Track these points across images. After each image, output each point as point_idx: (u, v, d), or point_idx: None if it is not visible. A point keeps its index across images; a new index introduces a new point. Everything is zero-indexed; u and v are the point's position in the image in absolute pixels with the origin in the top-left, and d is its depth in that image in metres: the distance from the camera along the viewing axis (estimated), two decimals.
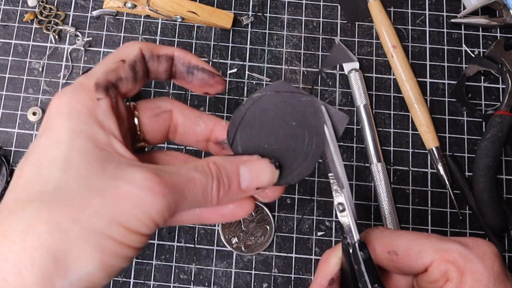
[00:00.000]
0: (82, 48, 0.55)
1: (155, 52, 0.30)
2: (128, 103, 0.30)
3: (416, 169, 0.52)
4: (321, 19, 0.57)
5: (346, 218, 0.30)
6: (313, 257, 0.50)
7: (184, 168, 0.26)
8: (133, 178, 0.24)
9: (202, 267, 0.50)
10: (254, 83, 0.54)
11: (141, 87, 0.30)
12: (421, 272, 0.31)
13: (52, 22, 0.56)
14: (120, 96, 0.28)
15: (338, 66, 0.55)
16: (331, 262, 0.32)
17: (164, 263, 0.50)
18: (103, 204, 0.23)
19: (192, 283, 0.49)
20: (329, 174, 0.30)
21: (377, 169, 0.51)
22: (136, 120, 0.30)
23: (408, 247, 0.31)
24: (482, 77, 0.55)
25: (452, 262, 0.29)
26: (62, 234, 0.22)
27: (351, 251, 0.30)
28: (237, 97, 0.54)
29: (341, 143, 0.53)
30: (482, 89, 0.55)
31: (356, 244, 0.29)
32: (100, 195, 0.23)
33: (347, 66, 0.54)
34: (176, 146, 0.52)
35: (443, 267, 0.30)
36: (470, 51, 0.56)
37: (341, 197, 0.30)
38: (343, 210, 0.30)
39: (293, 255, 0.50)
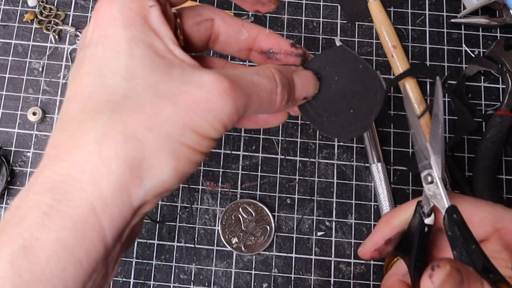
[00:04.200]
0: None
1: None
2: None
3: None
4: (321, 19, 0.57)
5: (433, 188, 0.30)
6: (313, 257, 0.50)
7: (247, 72, 0.26)
8: (202, 82, 0.23)
9: (202, 267, 0.50)
10: None
11: None
12: (482, 240, 0.31)
13: (52, 22, 0.56)
14: (169, 4, 0.27)
15: None
16: (393, 223, 0.32)
17: (164, 263, 0.50)
18: (175, 110, 0.22)
19: (192, 283, 0.49)
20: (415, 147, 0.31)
21: (377, 169, 0.51)
22: (177, 28, 0.28)
23: (471, 213, 0.30)
24: (482, 77, 0.55)
25: None
26: (137, 143, 0.21)
27: (426, 220, 0.30)
28: None
29: (341, 143, 0.53)
30: (482, 89, 0.55)
31: (448, 209, 0.29)
32: (171, 101, 0.22)
33: None
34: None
35: (507, 238, 0.29)
36: (470, 51, 0.56)
37: (429, 168, 0.30)
38: (431, 182, 0.30)
39: (293, 255, 0.50)
